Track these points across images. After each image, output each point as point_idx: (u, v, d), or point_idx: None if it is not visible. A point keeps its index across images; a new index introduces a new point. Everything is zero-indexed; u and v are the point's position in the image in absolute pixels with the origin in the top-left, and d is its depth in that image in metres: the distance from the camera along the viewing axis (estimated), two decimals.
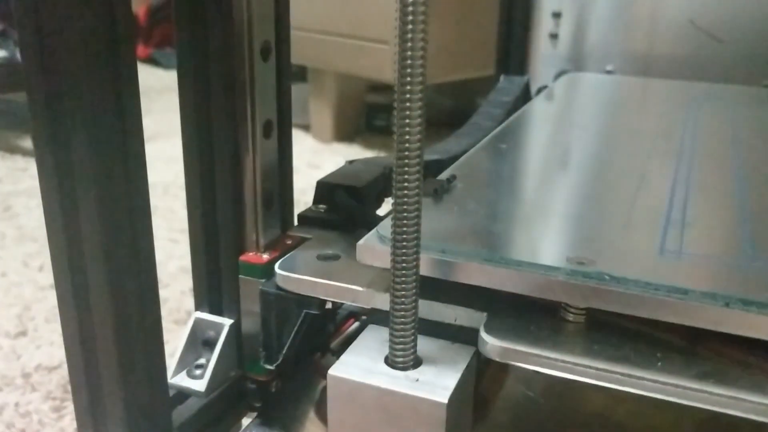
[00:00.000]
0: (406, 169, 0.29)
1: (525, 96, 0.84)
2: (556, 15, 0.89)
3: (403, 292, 0.30)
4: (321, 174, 0.45)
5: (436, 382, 0.31)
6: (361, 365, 0.32)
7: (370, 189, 0.44)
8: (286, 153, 0.41)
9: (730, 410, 0.28)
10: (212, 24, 0.37)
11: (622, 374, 0.30)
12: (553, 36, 0.90)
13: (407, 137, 0.28)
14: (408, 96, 0.28)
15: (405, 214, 0.29)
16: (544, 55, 0.90)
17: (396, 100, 0.28)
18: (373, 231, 0.35)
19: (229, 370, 0.40)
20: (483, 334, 0.32)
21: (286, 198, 0.42)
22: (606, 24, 0.88)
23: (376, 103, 1.60)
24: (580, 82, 0.80)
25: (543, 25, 0.90)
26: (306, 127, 1.55)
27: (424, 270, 0.32)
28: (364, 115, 1.61)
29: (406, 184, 0.29)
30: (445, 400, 0.30)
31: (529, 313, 0.33)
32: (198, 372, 0.40)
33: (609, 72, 0.88)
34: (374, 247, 0.34)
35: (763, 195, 0.45)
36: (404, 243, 0.30)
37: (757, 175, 0.49)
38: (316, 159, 1.38)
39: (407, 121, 0.28)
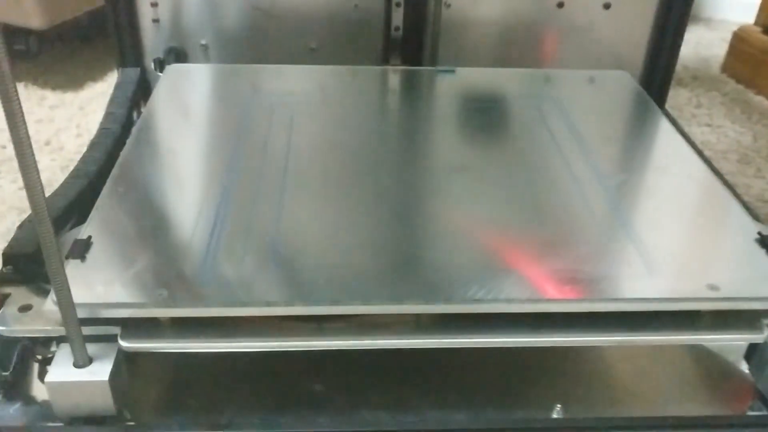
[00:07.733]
0: (49, 259, 0.59)
1: (143, 84, 1.12)
2: (154, 4, 1.15)
3: (69, 326, 0.62)
4: None
5: (101, 370, 0.64)
6: (59, 371, 0.64)
7: (39, 253, 0.72)
8: None
9: None
10: None
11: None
12: (156, 21, 1.16)
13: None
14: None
15: (57, 280, 0.59)
16: (151, 38, 1.17)
17: None
18: (49, 296, 0.65)
19: None
20: (119, 339, 0.65)
21: None
22: (195, 7, 1.16)
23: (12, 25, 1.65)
24: (187, 80, 1.08)
25: (146, 14, 1.16)
26: None
27: (80, 312, 0.63)
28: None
29: (53, 269, 0.59)
30: (107, 378, 0.63)
31: (143, 324, 0.66)
32: None
33: (203, 45, 1.18)
34: (50, 306, 0.64)
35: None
36: (62, 300, 0.60)
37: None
38: None
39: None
